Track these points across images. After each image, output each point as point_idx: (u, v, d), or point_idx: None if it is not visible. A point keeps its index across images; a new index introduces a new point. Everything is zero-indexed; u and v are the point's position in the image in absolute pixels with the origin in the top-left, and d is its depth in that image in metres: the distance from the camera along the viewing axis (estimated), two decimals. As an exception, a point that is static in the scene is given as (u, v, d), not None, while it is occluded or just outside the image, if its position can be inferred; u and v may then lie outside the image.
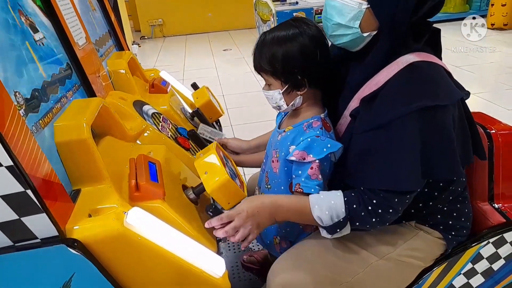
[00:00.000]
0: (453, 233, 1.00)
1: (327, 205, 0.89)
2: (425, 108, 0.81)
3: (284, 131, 1.04)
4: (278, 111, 1.05)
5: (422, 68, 0.86)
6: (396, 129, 0.83)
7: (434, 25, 0.93)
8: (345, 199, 0.89)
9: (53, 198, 0.75)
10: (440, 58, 0.94)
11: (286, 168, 1.02)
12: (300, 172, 0.96)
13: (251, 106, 3.61)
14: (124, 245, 0.79)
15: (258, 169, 1.24)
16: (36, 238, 0.75)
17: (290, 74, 0.95)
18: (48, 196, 0.73)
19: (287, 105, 1.01)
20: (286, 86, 0.97)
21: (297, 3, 6.20)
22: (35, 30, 1.00)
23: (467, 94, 0.93)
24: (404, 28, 0.86)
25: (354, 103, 0.94)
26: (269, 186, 1.10)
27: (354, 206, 0.88)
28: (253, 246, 1.64)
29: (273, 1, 5.84)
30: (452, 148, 0.85)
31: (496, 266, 1.08)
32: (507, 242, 1.05)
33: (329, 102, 1.04)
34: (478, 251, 1.04)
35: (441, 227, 1.00)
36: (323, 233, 0.93)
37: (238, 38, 7.27)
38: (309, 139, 0.94)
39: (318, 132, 0.95)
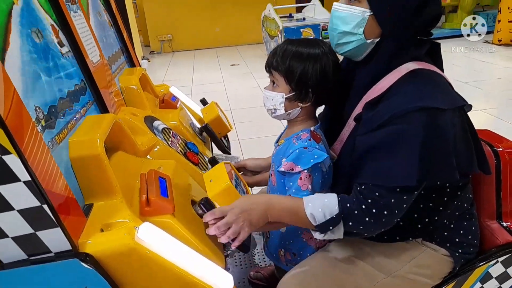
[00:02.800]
0: (460, 250, 1.00)
1: (321, 202, 0.89)
2: (424, 108, 0.82)
3: (278, 145, 1.08)
4: (271, 115, 1.06)
5: (423, 74, 0.89)
6: (394, 127, 0.84)
7: (440, 41, 0.97)
8: (339, 198, 0.90)
9: (67, 213, 0.77)
10: (442, 71, 0.96)
11: (282, 181, 1.04)
12: (291, 183, 0.98)
13: (258, 120, 3.63)
14: (135, 260, 0.80)
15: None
16: (50, 252, 0.76)
17: (303, 85, 0.98)
18: (62, 211, 0.75)
19: (285, 111, 1.02)
20: (293, 94, 0.99)
21: (304, 19, 6.28)
22: (55, 45, 1.03)
23: (469, 106, 0.93)
24: (405, 36, 0.89)
25: (358, 109, 0.96)
26: None
27: (348, 204, 0.89)
28: (260, 262, 1.64)
29: (280, 17, 5.93)
30: (449, 151, 0.85)
31: (506, 285, 1.07)
32: (516, 261, 1.04)
33: (335, 112, 1.06)
34: (487, 270, 1.04)
35: (448, 244, 1.00)
36: (316, 234, 0.92)
37: (245, 53, 7.36)
38: (297, 151, 0.97)
39: (306, 144, 0.98)
